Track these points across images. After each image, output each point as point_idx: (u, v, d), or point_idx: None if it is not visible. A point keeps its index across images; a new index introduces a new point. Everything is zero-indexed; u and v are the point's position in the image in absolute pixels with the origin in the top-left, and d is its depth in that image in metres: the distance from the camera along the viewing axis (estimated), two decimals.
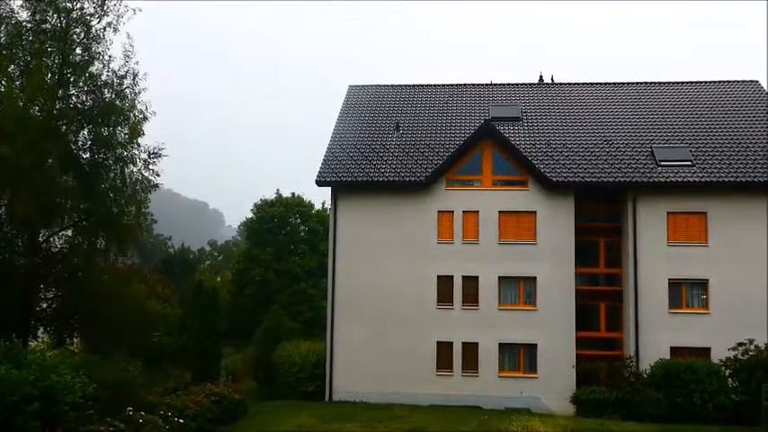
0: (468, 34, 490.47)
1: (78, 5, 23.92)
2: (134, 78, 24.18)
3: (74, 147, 24.08)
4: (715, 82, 35.27)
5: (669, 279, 28.14)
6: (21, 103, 22.02)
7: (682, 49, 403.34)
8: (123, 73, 24.16)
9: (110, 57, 24.20)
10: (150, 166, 24.33)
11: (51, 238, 24.44)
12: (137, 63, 24.21)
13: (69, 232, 24.81)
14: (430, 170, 29.86)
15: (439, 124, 33.35)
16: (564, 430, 20.18)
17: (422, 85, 37.03)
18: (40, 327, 24.71)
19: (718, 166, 29.16)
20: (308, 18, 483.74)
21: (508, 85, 36.70)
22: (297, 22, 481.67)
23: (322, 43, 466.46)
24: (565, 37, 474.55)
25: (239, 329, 45.18)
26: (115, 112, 23.71)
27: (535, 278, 28.82)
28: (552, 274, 28.62)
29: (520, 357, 28.73)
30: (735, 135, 30.91)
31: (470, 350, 28.64)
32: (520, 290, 29.10)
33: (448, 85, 36.81)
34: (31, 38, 23.44)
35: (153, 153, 24.39)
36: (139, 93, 24.19)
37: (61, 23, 23.57)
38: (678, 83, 35.55)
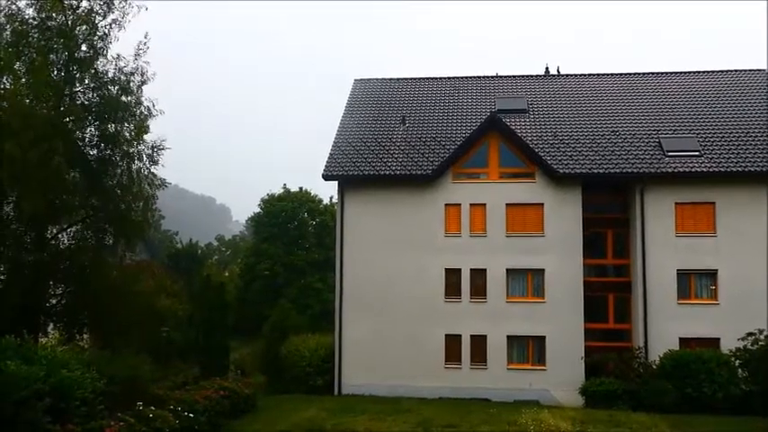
0: (471, 29, 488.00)
1: (84, 3, 24.00)
2: (142, 76, 24.24)
3: (80, 143, 24.15)
4: (722, 71, 35.06)
5: (677, 270, 28.05)
6: (27, 101, 22.11)
7: (689, 38, 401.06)
8: (131, 70, 24.21)
9: (118, 55, 24.28)
10: (155, 159, 24.41)
11: (59, 235, 24.56)
12: (146, 63, 24.26)
13: (77, 228, 24.92)
14: (436, 163, 29.81)
15: (445, 117, 33.30)
16: (573, 422, 20.13)
17: (427, 79, 36.96)
18: (49, 323, 24.85)
19: (726, 155, 29.01)
20: (309, 15, 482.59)
21: (514, 77, 36.58)
22: (297, 20, 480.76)
23: (324, 41, 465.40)
24: (570, 29, 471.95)
25: (247, 324, 45.32)
26: (121, 109, 23.77)
27: (543, 270, 28.77)
28: (560, 266, 28.57)
29: (528, 350, 28.73)
30: (743, 124, 30.74)
31: (479, 343, 28.65)
32: (528, 282, 29.06)
33: (454, 78, 36.73)
34: (37, 35, 23.51)
35: (156, 147, 24.48)
36: (143, 83, 24.21)
37: (67, 21, 23.62)
38: (685, 73, 35.36)
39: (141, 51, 24.09)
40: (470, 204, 29.53)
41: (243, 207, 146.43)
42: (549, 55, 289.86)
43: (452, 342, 28.79)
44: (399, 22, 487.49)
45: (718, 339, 26.55)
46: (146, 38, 24.39)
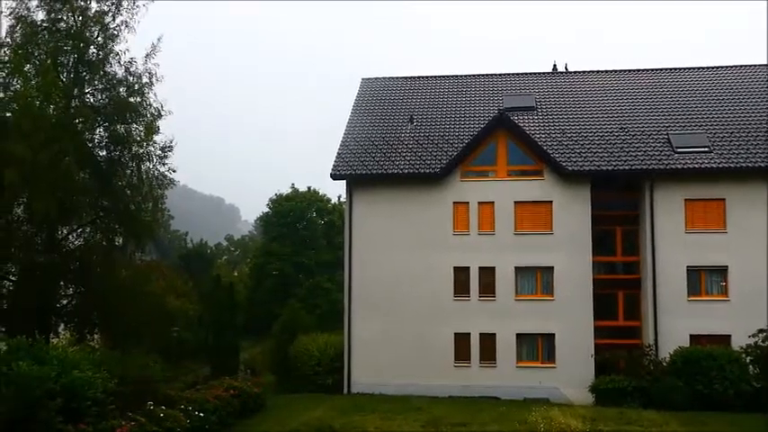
0: (471, 29, 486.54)
1: (94, 5, 24.16)
2: (150, 78, 24.37)
3: (90, 144, 24.32)
4: (731, 67, 34.85)
5: (688, 266, 27.91)
6: (37, 103, 22.26)
7: (697, 33, 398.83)
8: (140, 72, 24.35)
9: (131, 59, 24.42)
10: (165, 161, 24.57)
11: (70, 236, 24.73)
12: (156, 64, 24.37)
13: (87, 229, 25.10)
14: (444, 162, 29.79)
15: (453, 115, 33.25)
16: (583, 420, 20.07)
17: (435, 77, 36.91)
18: (60, 323, 25.02)
19: (735, 151, 28.86)
20: (314, 15, 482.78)
21: (522, 74, 36.47)
22: (303, 19, 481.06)
23: (329, 40, 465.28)
24: (570, 29, 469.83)
25: (257, 323, 45.47)
26: (130, 110, 23.91)
27: (552, 268, 28.70)
28: (569, 264, 28.48)
29: (538, 347, 28.67)
30: (752, 120, 30.53)
31: (488, 341, 28.60)
32: (537, 280, 29.01)
33: (461, 76, 36.67)
34: (47, 37, 23.67)
35: (166, 147, 24.64)
36: (152, 85, 24.32)
37: (76, 22, 23.77)
38: (694, 68, 35.15)
39: (152, 53, 24.26)
40: (479, 202, 29.47)
41: (252, 207, 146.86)
42: (550, 55, 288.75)
43: (461, 340, 28.76)
44: (400, 22, 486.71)
45: (729, 336, 26.42)
46: (159, 40, 24.56)
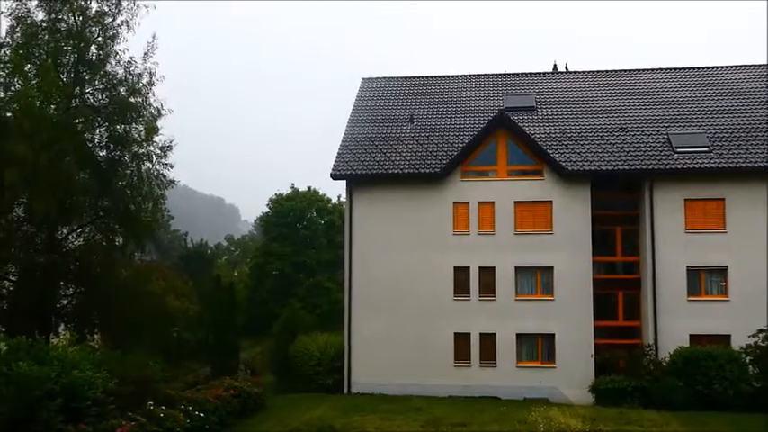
0: (473, 29, 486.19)
1: (94, 5, 24.20)
2: (150, 77, 24.40)
3: (90, 144, 24.36)
4: (731, 66, 34.86)
5: (687, 266, 27.91)
6: (37, 103, 22.29)
7: (698, 33, 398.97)
8: (140, 72, 24.38)
9: (130, 58, 24.45)
10: (163, 161, 24.59)
11: (70, 236, 24.76)
12: (155, 63, 24.41)
13: (87, 229, 25.13)
14: (445, 162, 29.80)
15: (453, 115, 33.26)
16: (583, 420, 20.10)
17: (435, 77, 36.91)
18: (61, 323, 25.06)
19: (735, 151, 28.87)
20: (315, 14, 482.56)
21: (522, 74, 36.48)
22: (304, 19, 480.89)
23: (330, 40, 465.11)
24: (578, 25, 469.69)
25: (257, 323, 45.49)
26: (131, 110, 23.94)
27: (552, 268, 28.70)
28: (569, 264, 28.49)
29: (538, 347, 28.68)
30: (752, 120, 30.54)
31: (488, 341, 28.61)
32: (537, 280, 29.02)
33: (461, 76, 36.67)
34: (47, 37, 23.70)
35: (165, 147, 24.67)
36: (152, 84, 24.35)
37: (77, 23, 23.80)
38: (694, 68, 35.16)
39: (150, 52, 24.30)
40: (479, 202, 29.48)
41: (252, 207, 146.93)
42: (551, 55, 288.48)
43: (461, 340, 28.76)
44: (402, 22, 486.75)
45: (729, 336, 26.42)
46: (153, 38, 24.60)
